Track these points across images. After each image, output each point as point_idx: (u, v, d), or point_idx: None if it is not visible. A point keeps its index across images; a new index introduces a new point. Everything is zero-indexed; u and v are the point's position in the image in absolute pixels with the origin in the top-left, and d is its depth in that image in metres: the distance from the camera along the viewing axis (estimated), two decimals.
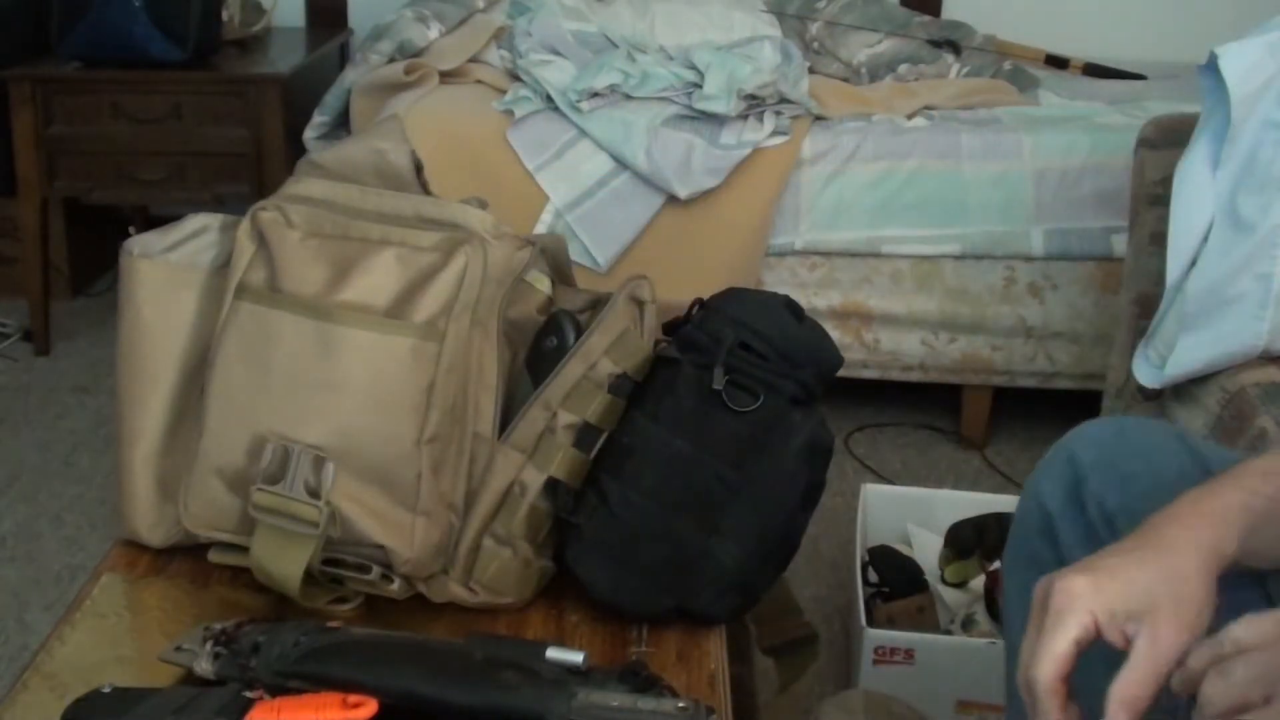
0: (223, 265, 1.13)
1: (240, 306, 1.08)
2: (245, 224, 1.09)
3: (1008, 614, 1.02)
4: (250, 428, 1.06)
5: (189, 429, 1.12)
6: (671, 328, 1.15)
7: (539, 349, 1.13)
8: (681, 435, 1.09)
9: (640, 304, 1.14)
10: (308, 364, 1.05)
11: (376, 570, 1.06)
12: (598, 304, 1.17)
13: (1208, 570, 0.79)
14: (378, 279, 1.05)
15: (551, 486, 1.09)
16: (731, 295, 1.17)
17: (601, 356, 1.11)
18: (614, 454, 1.10)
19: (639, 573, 1.08)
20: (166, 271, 1.14)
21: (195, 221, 1.16)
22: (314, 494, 1.03)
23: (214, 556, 1.11)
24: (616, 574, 1.08)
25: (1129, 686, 0.74)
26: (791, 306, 1.16)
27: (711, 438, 1.09)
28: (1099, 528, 0.95)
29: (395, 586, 1.07)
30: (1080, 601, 0.77)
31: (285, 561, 1.04)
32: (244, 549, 1.07)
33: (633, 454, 1.09)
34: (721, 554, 1.08)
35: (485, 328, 1.07)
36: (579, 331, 1.12)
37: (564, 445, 1.09)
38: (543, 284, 1.15)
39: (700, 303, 1.17)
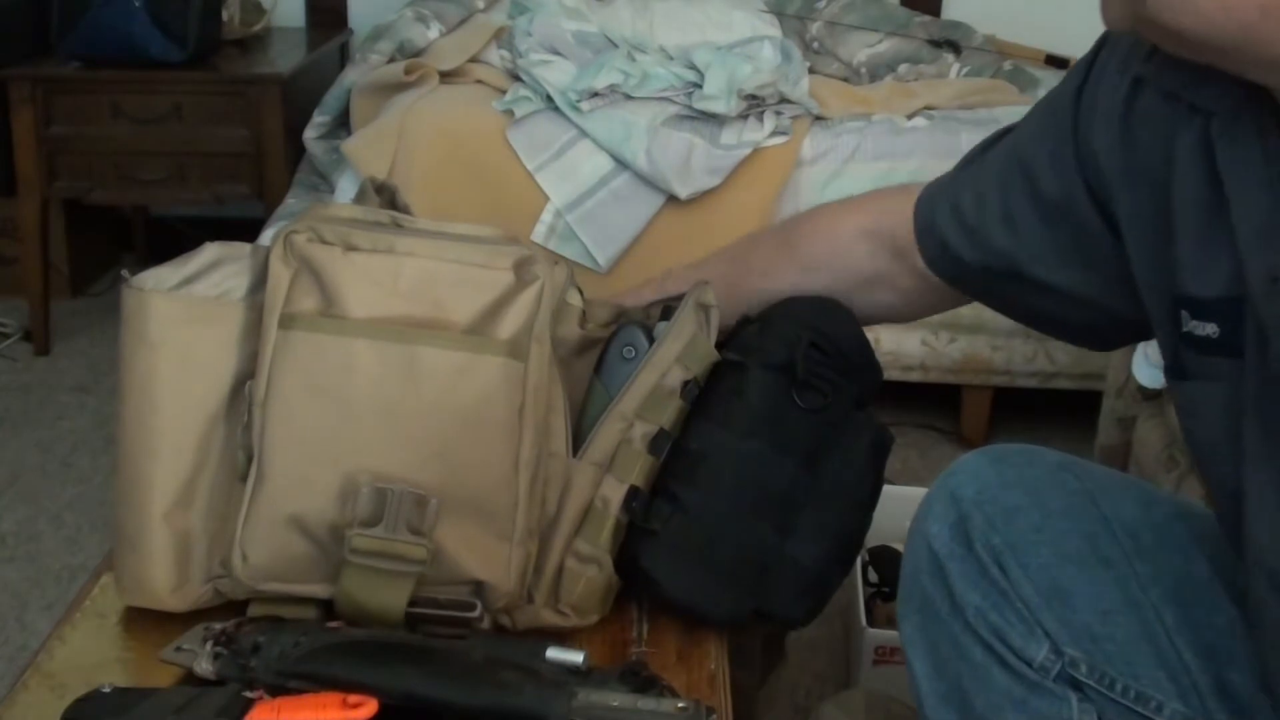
0: (249, 295, 1.05)
1: (292, 337, 1.00)
2: (278, 249, 1.02)
3: (908, 660, 1.00)
4: (336, 468, 0.99)
5: (217, 476, 1.04)
6: (719, 347, 1.14)
7: (614, 360, 1.12)
8: (755, 437, 1.08)
9: (706, 309, 1.13)
10: (393, 391, 0.99)
11: (480, 611, 1.01)
12: (621, 315, 1.15)
13: None
14: (447, 296, 1.00)
15: (631, 495, 1.06)
16: (793, 301, 1.17)
17: (673, 364, 1.09)
18: (683, 461, 1.08)
19: (722, 577, 1.06)
20: (187, 306, 1.04)
21: (209, 252, 1.07)
22: (417, 532, 0.98)
23: (255, 611, 1.04)
24: (698, 579, 1.06)
25: None
26: (848, 311, 1.17)
27: (785, 438, 1.09)
28: (989, 566, 0.94)
29: (485, 623, 1.03)
30: None
31: (384, 596, 0.99)
32: (287, 599, 1.03)
33: (705, 459, 1.07)
34: (800, 554, 1.08)
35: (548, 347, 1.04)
36: (651, 338, 1.11)
37: (641, 453, 1.07)
38: (575, 299, 1.12)
39: (747, 319, 1.16)
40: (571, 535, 1.06)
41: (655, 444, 1.08)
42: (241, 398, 1.04)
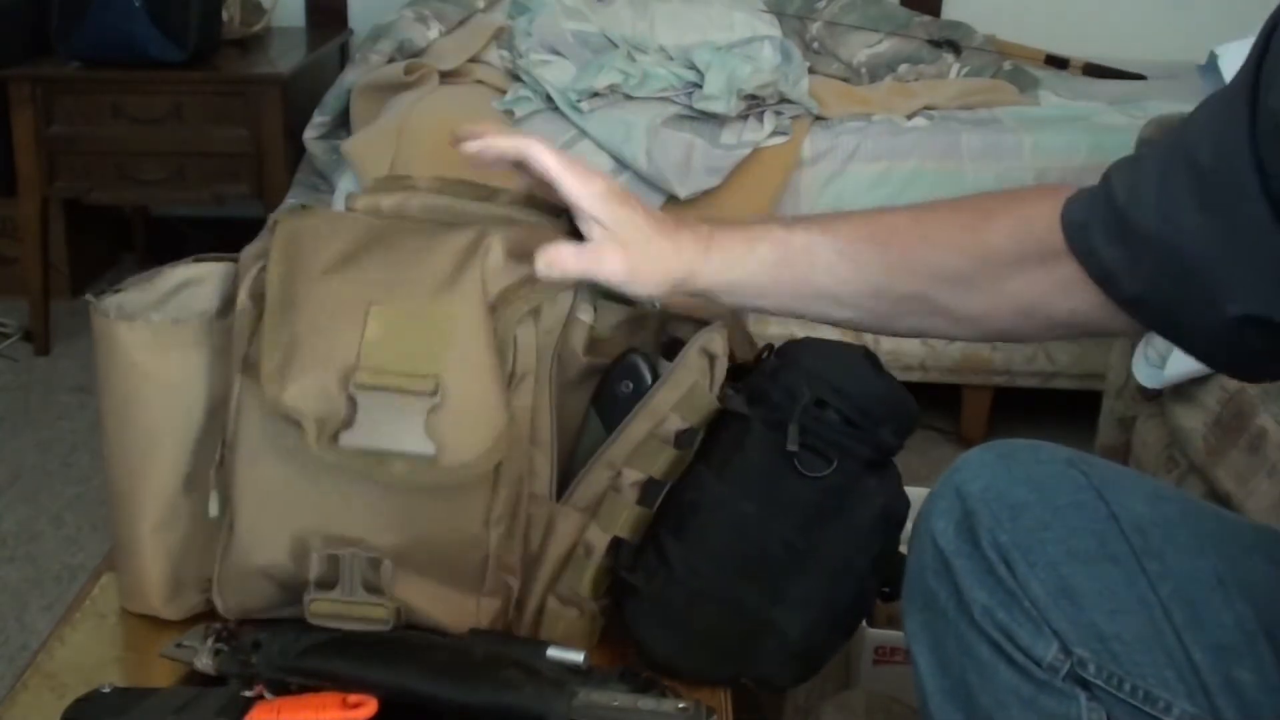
0: (218, 317, 1.03)
1: (254, 386, 0.96)
2: (246, 283, 0.98)
3: (911, 656, 0.99)
4: (289, 527, 0.97)
5: (201, 498, 1.03)
6: (740, 373, 1.08)
7: (612, 393, 1.06)
8: (749, 497, 1.02)
9: (712, 357, 1.06)
10: None
11: None
12: (638, 320, 1.10)
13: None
14: (413, 349, 0.96)
15: (615, 545, 1.03)
16: (807, 345, 1.09)
17: (669, 413, 1.03)
18: (677, 511, 1.04)
19: (699, 639, 1.03)
20: (153, 333, 1.02)
21: (177, 274, 1.05)
22: (375, 590, 0.97)
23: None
24: (675, 638, 1.03)
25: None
26: (869, 357, 1.09)
27: (780, 502, 1.02)
28: (995, 564, 0.92)
29: None
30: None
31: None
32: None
33: (697, 513, 1.03)
34: (785, 624, 1.02)
35: (538, 382, 1.00)
36: (655, 374, 1.05)
37: (629, 504, 1.02)
38: (586, 314, 1.05)
39: (770, 348, 1.10)
40: (553, 579, 1.03)
41: (646, 494, 1.03)
42: (217, 419, 1.02)
